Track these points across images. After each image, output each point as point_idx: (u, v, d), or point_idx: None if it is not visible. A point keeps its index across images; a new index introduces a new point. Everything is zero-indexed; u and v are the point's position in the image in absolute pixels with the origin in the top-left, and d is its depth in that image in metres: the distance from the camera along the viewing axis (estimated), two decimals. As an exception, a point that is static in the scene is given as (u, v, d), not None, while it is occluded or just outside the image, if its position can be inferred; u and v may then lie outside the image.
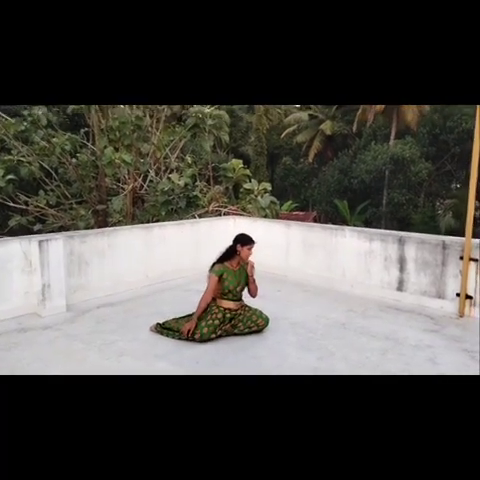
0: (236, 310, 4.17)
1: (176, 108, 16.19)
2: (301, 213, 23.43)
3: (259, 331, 4.22)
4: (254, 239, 4.21)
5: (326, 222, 21.27)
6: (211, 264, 4.19)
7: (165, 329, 4.17)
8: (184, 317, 4.27)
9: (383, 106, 23.02)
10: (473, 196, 4.59)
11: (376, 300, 5.27)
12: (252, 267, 4.13)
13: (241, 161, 10.23)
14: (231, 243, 4.23)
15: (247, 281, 4.21)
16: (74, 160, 9.22)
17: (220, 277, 4.09)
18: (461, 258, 4.67)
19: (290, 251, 6.37)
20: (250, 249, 4.16)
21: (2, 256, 4.54)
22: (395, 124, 23.80)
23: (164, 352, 3.81)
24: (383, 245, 5.36)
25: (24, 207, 9.31)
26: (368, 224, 21.95)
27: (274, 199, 9.81)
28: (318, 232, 6.14)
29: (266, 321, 4.25)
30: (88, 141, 9.67)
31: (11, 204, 9.07)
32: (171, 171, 9.45)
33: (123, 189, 9.33)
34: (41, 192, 9.37)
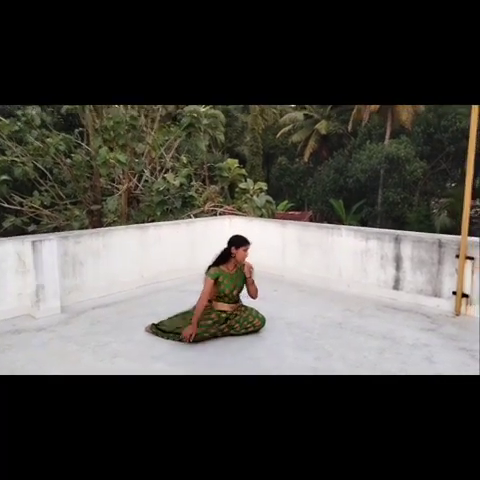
0: (232, 311, 4.14)
1: (171, 107, 16.12)
2: (297, 213, 23.44)
3: (255, 331, 4.19)
4: (249, 239, 4.14)
5: (322, 221, 21.26)
6: (207, 267, 4.14)
7: (160, 331, 4.14)
8: (178, 315, 4.23)
9: (378, 105, 23.08)
10: (469, 194, 4.59)
11: (373, 299, 5.26)
12: (249, 269, 4.07)
13: (237, 161, 10.19)
14: (226, 245, 4.17)
15: (245, 283, 4.17)
16: (68, 160, 9.16)
17: (216, 280, 4.04)
18: (457, 256, 4.66)
19: (286, 251, 6.35)
20: (245, 250, 4.08)
21: (-5, 257, 4.50)
22: (390, 123, 23.87)
23: (160, 353, 3.78)
24: (379, 244, 5.35)
25: (18, 208, 9.25)
26: (364, 223, 22.01)
27: (270, 198, 9.79)
28: (314, 231, 6.13)
29: (262, 321, 4.23)
30: (82, 141, 9.62)
31: (5, 205, 9.01)
32: (166, 171, 9.41)
33: (118, 189, 9.27)
34: (35, 193, 9.32)
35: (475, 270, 4.59)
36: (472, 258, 4.59)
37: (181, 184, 8.62)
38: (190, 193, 8.83)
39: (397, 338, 4.10)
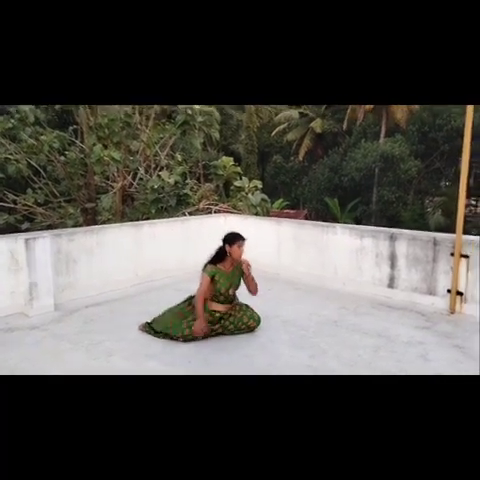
0: (226, 312, 4.11)
1: (166, 105, 16.06)
2: (292, 211, 23.40)
3: (250, 331, 4.17)
4: (244, 236, 4.11)
5: (317, 220, 21.24)
6: (203, 265, 4.10)
7: (152, 330, 4.10)
8: (169, 311, 4.20)
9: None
10: (463, 193, 4.60)
11: (368, 297, 5.26)
12: (247, 266, 4.03)
13: (232, 159, 10.18)
14: (221, 244, 4.13)
15: (242, 281, 4.14)
16: (62, 158, 9.10)
17: (212, 278, 4.01)
18: (452, 254, 4.67)
19: (281, 249, 6.34)
20: (240, 247, 4.05)
21: (-12, 255, 4.45)
22: (385, 122, 23.91)
23: (155, 352, 3.76)
24: (374, 242, 5.35)
25: (12, 205, 9.18)
26: (358, 222, 22.04)
27: (265, 197, 9.77)
28: (309, 229, 6.12)
29: (258, 322, 4.19)
30: (77, 139, 9.55)
31: (-1, 203, 8.96)
32: (161, 169, 9.37)
33: (112, 187, 9.23)
34: (29, 190, 9.25)
35: (470, 268, 4.60)
36: (467, 256, 4.60)
37: (176, 182, 8.59)
38: (185, 191, 8.81)
39: (392, 336, 4.10)
